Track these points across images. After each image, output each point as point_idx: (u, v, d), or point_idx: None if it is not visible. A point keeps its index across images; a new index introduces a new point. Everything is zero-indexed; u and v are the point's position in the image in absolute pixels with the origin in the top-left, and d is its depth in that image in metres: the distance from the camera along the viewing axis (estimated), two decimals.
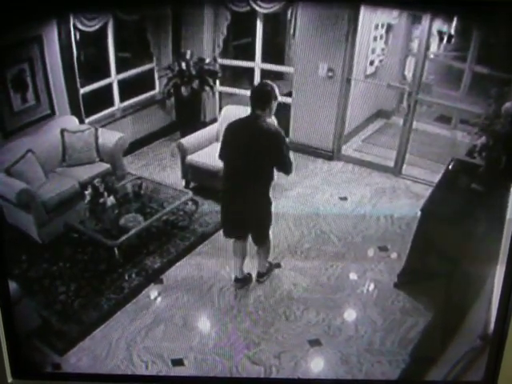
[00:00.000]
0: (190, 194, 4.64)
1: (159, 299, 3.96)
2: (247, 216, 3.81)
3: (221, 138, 3.84)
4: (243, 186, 3.72)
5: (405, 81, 5.14)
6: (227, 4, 4.78)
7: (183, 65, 4.93)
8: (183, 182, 4.84)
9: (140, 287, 4.01)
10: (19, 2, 2.85)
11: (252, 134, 3.63)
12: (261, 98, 3.64)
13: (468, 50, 4.69)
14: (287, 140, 3.94)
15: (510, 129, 3.71)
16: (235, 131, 3.70)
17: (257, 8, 4.74)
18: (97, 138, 4.62)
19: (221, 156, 3.79)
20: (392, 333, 3.66)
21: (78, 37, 4.51)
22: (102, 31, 4.75)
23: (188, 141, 4.81)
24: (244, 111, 4.53)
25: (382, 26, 5.17)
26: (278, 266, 4.16)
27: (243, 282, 4.03)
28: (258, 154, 3.61)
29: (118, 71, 5.06)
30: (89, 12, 4.39)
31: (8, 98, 4.13)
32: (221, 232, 3.98)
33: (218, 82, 5.24)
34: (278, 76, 5.55)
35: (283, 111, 5.18)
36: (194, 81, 4.95)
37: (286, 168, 3.69)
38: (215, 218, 4.41)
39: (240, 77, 5.51)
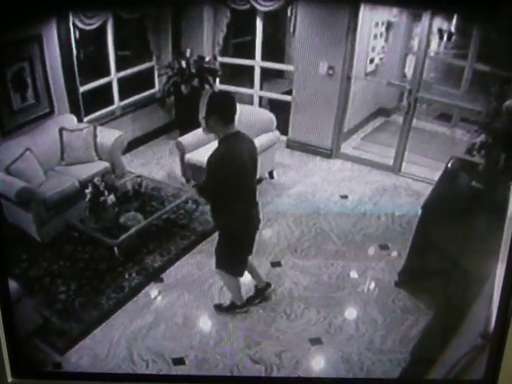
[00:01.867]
0: (191, 192, 4.64)
1: (159, 298, 3.96)
2: None
3: (219, 170, 3.23)
4: (255, 208, 3.54)
5: (405, 79, 5.14)
6: (227, 2, 4.78)
7: (183, 63, 4.92)
8: (183, 181, 4.84)
9: (140, 286, 4.00)
10: (19, 1, 2.85)
11: (252, 152, 3.33)
12: (235, 110, 3.22)
13: (468, 48, 4.69)
14: None
15: (510, 127, 3.71)
16: (243, 156, 3.26)
17: (257, 6, 4.74)
18: (95, 136, 4.61)
19: (225, 190, 3.28)
20: (393, 331, 3.66)
21: (77, 35, 4.50)
22: (102, 30, 4.74)
23: (187, 139, 4.80)
24: (244, 110, 4.54)
25: (382, 23, 5.17)
26: (279, 264, 4.16)
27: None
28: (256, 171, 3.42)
29: (118, 69, 5.05)
30: (88, 10, 4.38)
31: (8, 96, 4.12)
32: None
33: (217, 80, 5.24)
34: (278, 74, 5.56)
35: (283, 109, 5.20)
36: (193, 79, 4.94)
37: None
38: None
39: (240, 75, 5.50)
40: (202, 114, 3.25)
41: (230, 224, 3.49)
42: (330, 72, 4.92)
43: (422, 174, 4.88)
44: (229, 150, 3.22)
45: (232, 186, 3.29)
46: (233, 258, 3.65)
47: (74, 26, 4.43)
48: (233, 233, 3.53)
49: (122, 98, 5.20)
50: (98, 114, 4.99)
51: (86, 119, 4.83)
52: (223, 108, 3.19)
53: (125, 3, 4.40)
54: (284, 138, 5.24)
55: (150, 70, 5.30)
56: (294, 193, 4.69)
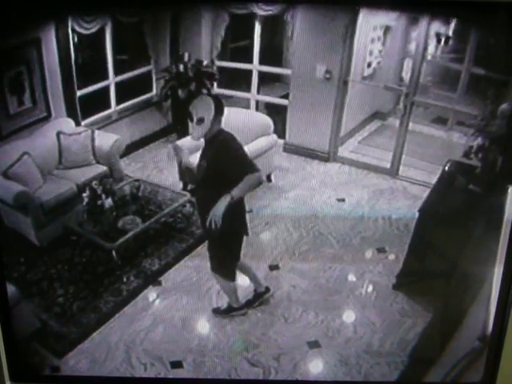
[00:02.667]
0: (188, 195, 4.64)
1: (158, 301, 3.96)
2: None
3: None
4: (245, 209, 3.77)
5: (402, 82, 5.15)
6: (226, 6, 4.78)
7: (181, 67, 4.92)
8: (181, 184, 4.84)
9: (138, 289, 4.00)
10: (17, 5, 2.86)
11: None
12: None
13: (465, 52, 4.70)
14: None
15: (506, 130, 3.73)
16: None
17: (256, 10, 4.74)
18: (93, 140, 4.61)
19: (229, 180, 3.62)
20: (391, 334, 3.67)
21: (75, 39, 4.50)
22: (100, 34, 4.74)
23: (184, 143, 4.80)
24: (241, 114, 4.55)
25: (380, 27, 5.17)
26: (277, 267, 4.17)
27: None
28: None
29: (116, 73, 5.04)
30: (87, 14, 4.38)
31: (4, 100, 4.11)
32: None
33: (215, 84, 5.24)
34: (276, 78, 5.55)
35: (280, 113, 5.20)
36: (191, 83, 4.94)
37: None
38: None
39: (238, 79, 5.50)
40: (195, 118, 3.47)
41: (226, 224, 3.50)
42: (328, 76, 4.92)
43: (419, 177, 4.89)
44: (231, 135, 3.51)
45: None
46: (223, 262, 3.69)
47: (73, 30, 4.43)
48: (225, 235, 3.55)
49: (119, 102, 5.19)
50: (95, 117, 4.98)
51: (83, 123, 4.82)
52: (223, 106, 3.50)
53: (123, 8, 4.41)
54: (281, 141, 5.24)
55: (148, 74, 5.29)
56: (291, 196, 4.69)
